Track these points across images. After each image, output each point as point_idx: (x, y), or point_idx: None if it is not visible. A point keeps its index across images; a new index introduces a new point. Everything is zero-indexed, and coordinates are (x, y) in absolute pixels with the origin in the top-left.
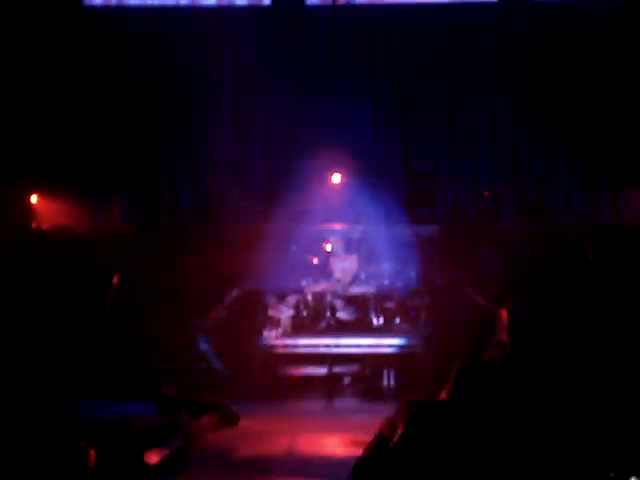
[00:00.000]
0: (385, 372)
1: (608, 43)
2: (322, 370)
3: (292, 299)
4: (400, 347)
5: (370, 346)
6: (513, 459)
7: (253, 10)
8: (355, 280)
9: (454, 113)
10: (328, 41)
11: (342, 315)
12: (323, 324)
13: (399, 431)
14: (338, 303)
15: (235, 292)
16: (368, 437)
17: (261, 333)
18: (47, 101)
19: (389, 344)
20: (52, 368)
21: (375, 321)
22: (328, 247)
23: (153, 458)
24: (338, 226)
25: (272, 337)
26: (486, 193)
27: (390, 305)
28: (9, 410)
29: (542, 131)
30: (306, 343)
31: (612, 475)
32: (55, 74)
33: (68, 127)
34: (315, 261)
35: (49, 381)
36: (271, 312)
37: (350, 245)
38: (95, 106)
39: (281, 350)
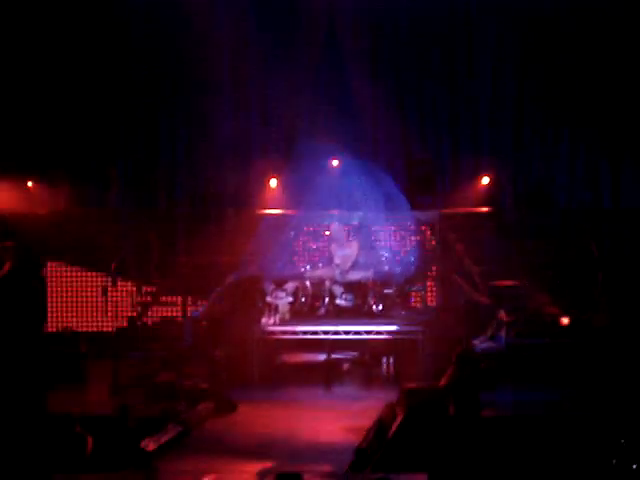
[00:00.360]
0: (384, 358)
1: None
2: (321, 357)
3: (290, 285)
4: (399, 333)
5: (369, 332)
6: (512, 446)
7: None
8: (354, 266)
9: (454, 96)
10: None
11: (341, 302)
12: (322, 310)
13: (398, 417)
14: (337, 289)
15: (231, 278)
16: (368, 423)
17: (259, 320)
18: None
19: (388, 330)
20: None
21: (374, 307)
22: (328, 233)
23: (150, 445)
24: (338, 212)
25: (270, 324)
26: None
27: (389, 291)
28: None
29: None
30: (305, 330)
31: (614, 462)
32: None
33: None
34: (315, 247)
35: None
36: (269, 299)
37: (350, 231)
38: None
39: (279, 337)
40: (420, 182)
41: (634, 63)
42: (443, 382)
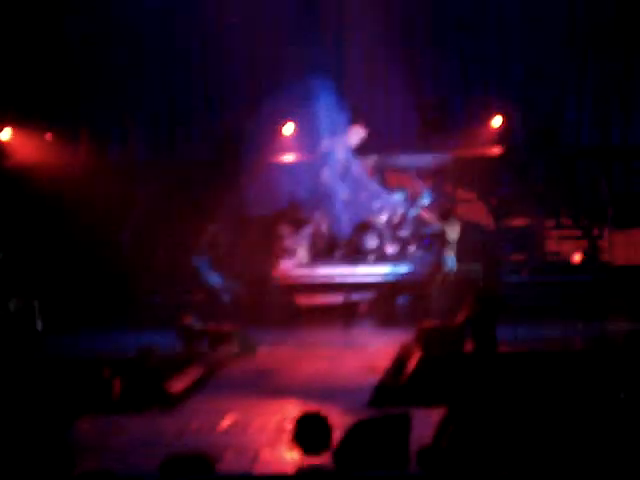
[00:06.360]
0: (401, 299)
1: None
2: (338, 298)
3: (307, 229)
4: (414, 274)
5: (385, 274)
6: (528, 382)
7: None
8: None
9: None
10: None
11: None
12: (339, 253)
13: (416, 355)
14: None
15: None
16: (385, 363)
17: (277, 263)
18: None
19: (403, 272)
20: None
21: (389, 249)
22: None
23: (174, 386)
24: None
25: (288, 267)
26: None
27: (404, 233)
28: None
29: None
30: (322, 273)
31: (622, 396)
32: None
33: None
34: None
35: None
36: (286, 242)
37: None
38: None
39: (297, 280)
40: (432, 125)
41: None
42: (459, 320)
